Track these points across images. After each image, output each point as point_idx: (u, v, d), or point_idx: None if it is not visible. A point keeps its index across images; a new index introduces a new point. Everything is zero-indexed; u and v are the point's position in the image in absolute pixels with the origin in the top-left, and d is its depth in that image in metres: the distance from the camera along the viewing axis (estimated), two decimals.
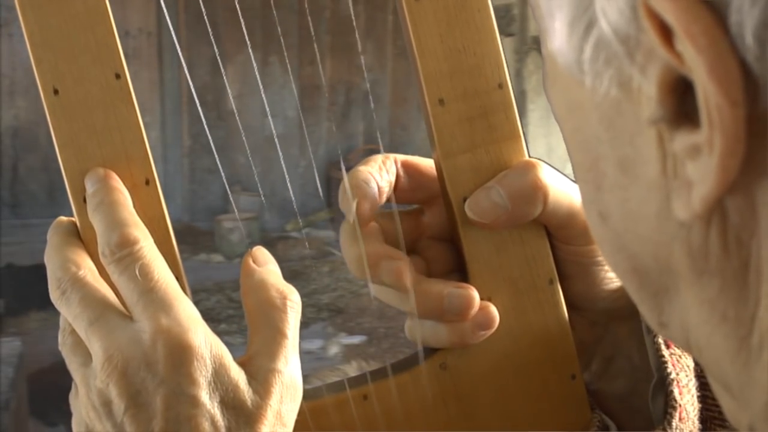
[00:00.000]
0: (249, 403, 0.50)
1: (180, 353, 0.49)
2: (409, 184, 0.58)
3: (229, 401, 0.49)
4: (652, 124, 0.32)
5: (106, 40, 0.54)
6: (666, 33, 0.30)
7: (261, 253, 0.55)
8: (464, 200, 0.57)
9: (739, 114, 0.29)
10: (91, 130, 0.54)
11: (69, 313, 0.52)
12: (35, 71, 0.53)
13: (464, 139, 0.56)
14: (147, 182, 0.55)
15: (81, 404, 0.52)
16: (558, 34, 0.34)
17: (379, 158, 0.58)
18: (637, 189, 0.34)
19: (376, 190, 0.56)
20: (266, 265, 0.54)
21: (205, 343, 0.50)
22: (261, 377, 0.50)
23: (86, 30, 0.53)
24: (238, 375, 0.50)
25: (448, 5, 0.55)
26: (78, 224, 0.54)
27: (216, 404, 0.49)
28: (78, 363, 0.52)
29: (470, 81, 0.56)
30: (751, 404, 0.33)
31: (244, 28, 0.58)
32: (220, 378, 0.50)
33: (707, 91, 0.29)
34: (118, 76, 0.54)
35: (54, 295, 0.52)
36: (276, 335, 0.52)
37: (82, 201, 0.54)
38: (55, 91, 0.53)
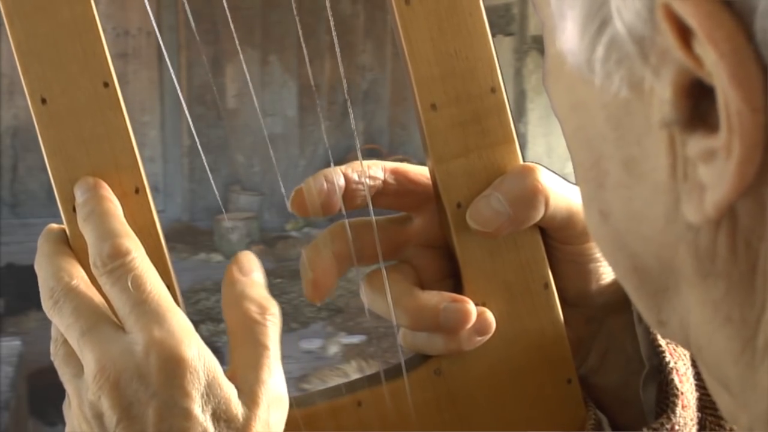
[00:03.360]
0: (240, 415, 0.50)
1: (173, 365, 0.49)
2: (396, 189, 0.58)
3: (221, 414, 0.49)
4: (665, 127, 0.32)
5: (94, 49, 0.53)
6: (684, 35, 0.30)
7: (247, 260, 0.55)
8: (458, 205, 0.56)
9: (760, 120, 0.29)
10: (79, 139, 0.54)
11: (61, 323, 0.52)
12: (23, 80, 0.53)
13: (457, 144, 0.56)
14: (137, 191, 0.54)
15: (73, 415, 0.52)
16: (569, 33, 0.34)
17: (365, 162, 0.57)
18: (642, 189, 0.34)
19: (332, 187, 0.56)
20: (250, 275, 0.54)
21: (199, 355, 0.50)
22: (248, 389, 0.50)
23: (74, 38, 0.53)
24: (229, 388, 0.50)
25: (439, 9, 0.55)
26: (68, 233, 0.54)
27: (208, 417, 0.49)
28: (70, 374, 0.52)
29: (463, 85, 0.55)
30: (752, 406, 0.33)
31: (234, 31, 0.57)
32: (213, 391, 0.49)
33: (728, 97, 0.29)
34: (106, 85, 0.54)
35: (46, 305, 0.52)
36: (258, 347, 0.52)
37: (72, 210, 0.54)
38: (43, 100, 0.53)
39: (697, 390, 0.57)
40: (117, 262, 0.51)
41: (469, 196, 0.56)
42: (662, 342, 0.57)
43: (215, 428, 0.49)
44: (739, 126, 0.29)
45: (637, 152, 0.33)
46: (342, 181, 0.56)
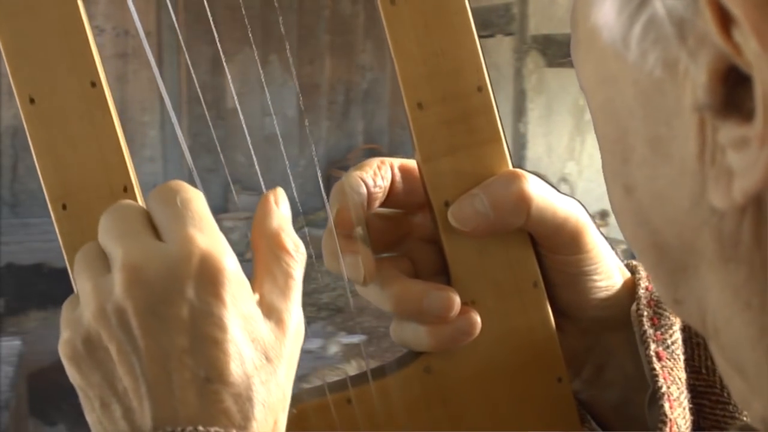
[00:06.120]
0: (268, 338, 0.48)
1: (214, 273, 0.47)
2: (403, 189, 0.58)
3: (250, 332, 0.48)
4: (697, 111, 0.32)
5: (81, 49, 0.54)
6: (724, 22, 0.30)
7: (282, 196, 0.54)
8: (446, 203, 0.56)
9: None
10: (67, 138, 0.54)
11: (106, 226, 0.50)
12: (11, 80, 0.53)
13: (444, 143, 0.56)
14: (125, 189, 0.55)
15: (85, 311, 0.48)
16: (606, 8, 0.34)
17: (374, 163, 0.57)
18: (668, 169, 0.34)
19: (361, 198, 0.56)
20: (282, 209, 0.54)
21: (238, 271, 0.48)
22: (275, 315, 0.49)
23: (61, 39, 0.53)
24: (257, 310, 0.49)
25: (425, 9, 0.55)
26: (57, 231, 0.54)
27: (241, 332, 0.47)
28: (92, 274, 0.49)
29: (449, 84, 0.56)
30: (767, 394, 0.33)
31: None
32: (247, 307, 0.48)
33: (767, 88, 0.29)
34: (93, 84, 0.54)
35: (102, 215, 0.51)
36: (287, 278, 0.51)
37: (62, 208, 0.54)
38: (31, 100, 0.53)
39: (691, 414, 0.57)
40: (171, 192, 0.50)
41: (456, 195, 0.56)
42: (657, 366, 0.56)
43: (247, 346, 0.47)
44: None
45: (664, 132, 0.33)
46: (364, 191, 0.56)
